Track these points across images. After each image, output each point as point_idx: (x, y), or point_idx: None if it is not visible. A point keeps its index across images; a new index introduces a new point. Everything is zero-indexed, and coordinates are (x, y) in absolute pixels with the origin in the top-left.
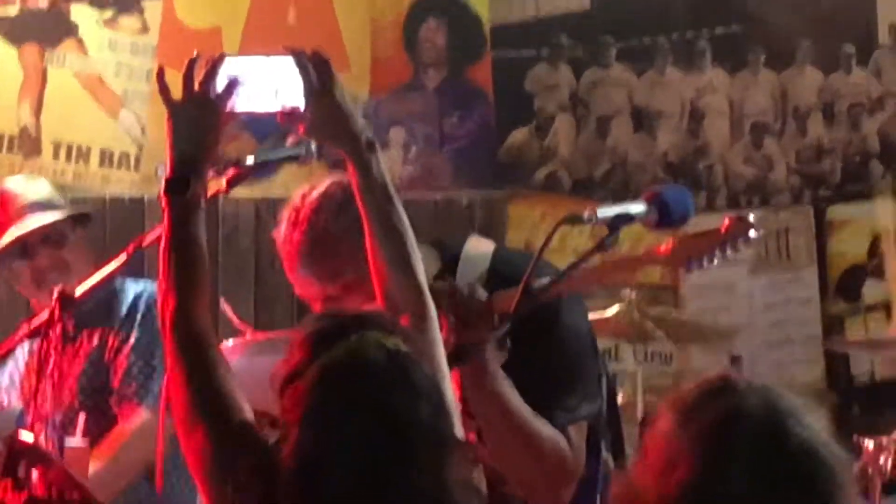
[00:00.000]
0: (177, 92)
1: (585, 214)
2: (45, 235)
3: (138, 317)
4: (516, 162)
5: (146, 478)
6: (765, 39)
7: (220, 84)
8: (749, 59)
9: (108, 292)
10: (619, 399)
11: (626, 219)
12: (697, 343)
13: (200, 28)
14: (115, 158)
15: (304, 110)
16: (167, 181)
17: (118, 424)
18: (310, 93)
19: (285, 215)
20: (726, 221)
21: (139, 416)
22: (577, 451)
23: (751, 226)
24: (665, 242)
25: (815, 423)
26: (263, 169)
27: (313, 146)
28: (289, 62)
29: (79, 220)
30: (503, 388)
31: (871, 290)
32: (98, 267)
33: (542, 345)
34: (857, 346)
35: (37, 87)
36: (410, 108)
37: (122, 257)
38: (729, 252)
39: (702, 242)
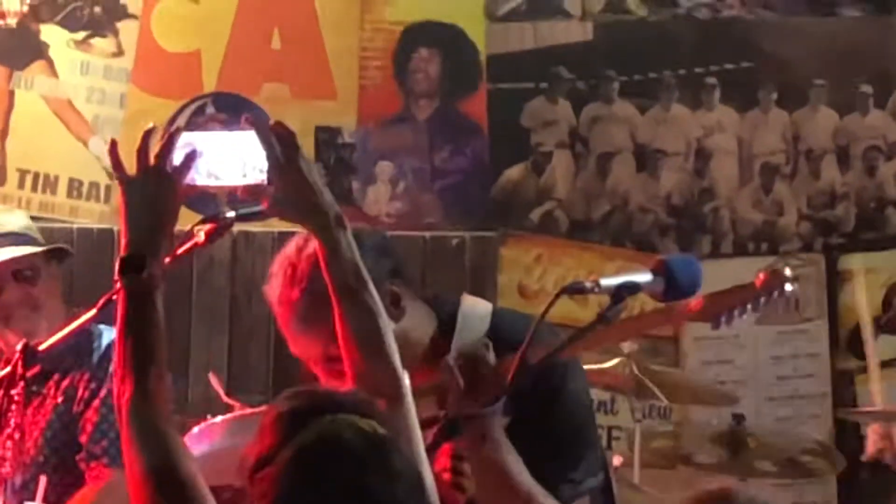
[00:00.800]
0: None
1: (588, 284)
2: (17, 270)
3: (111, 367)
4: (511, 200)
5: None
6: (777, 77)
7: (178, 157)
8: (760, 97)
9: (79, 336)
10: (616, 461)
11: (631, 289)
12: (697, 404)
13: (179, 51)
14: (85, 188)
15: (269, 185)
16: (122, 260)
17: (85, 485)
18: (274, 167)
19: (280, 270)
20: (761, 276)
21: (106, 478)
22: None
23: (787, 280)
24: (696, 297)
25: None
26: (245, 221)
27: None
28: (251, 135)
29: (55, 255)
30: (507, 456)
31: (884, 346)
32: (65, 304)
33: (549, 415)
34: (870, 416)
35: (2, 111)
36: (399, 140)
37: (93, 312)
38: (763, 304)
39: (734, 298)
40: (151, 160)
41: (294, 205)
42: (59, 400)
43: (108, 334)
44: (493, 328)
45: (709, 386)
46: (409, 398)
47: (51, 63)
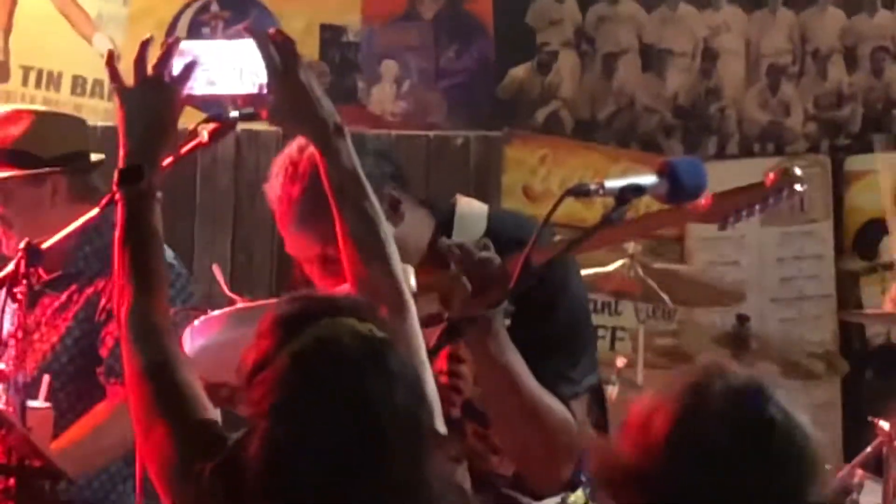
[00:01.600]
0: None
1: (592, 186)
2: None
3: None
4: (516, 100)
5: (124, 461)
6: None
7: (176, 67)
8: None
9: (105, 240)
10: (619, 362)
11: (636, 191)
12: (702, 305)
13: None
14: (89, 86)
15: (267, 93)
16: (120, 171)
17: (103, 401)
18: (272, 75)
19: (281, 168)
20: (771, 176)
21: (121, 397)
22: (580, 425)
23: (798, 179)
24: (704, 196)
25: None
26: (249, 120)
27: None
28: (250, 44)
29: (30, 180)
30: (512, 356)
31: (888, 247)
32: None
33: (549, 315)
34: (874, 319)
35: (6, 8)
36: (404, 39)
37: (95, 211)
38: (771, 204)
39: (743, 198)
40: (149, 70)
41: (293, 114)
42: (81, 306)
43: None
44: (491, 229)
45: (714, 283)
46: (412, 305)
47: None
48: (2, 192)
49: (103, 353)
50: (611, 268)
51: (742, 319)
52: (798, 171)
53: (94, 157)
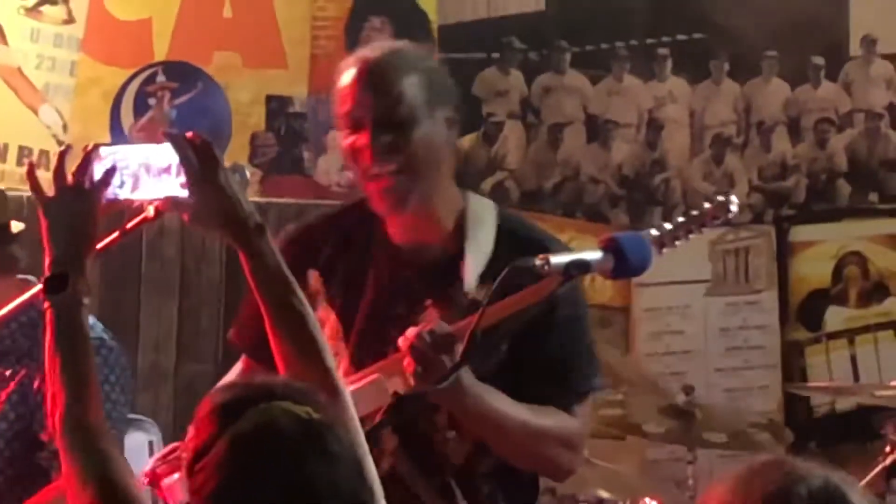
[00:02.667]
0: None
1: (538, 262)
2: None
3: None
4: (462, 171)
5: None
6: (729, 48)
7: (97, 172)
8: (712, 68)
9: (35, 318)
10: None
11: (581, 267)
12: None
13: (130, 19)
14: (35, 156)
15: (188, 196)
16: (46, 280)
17: (46, 488)
18: (191, 179)
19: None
20: (707, 207)
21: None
22: (584, 422)
23: (730, 210)
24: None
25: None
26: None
27: (247, 172)
28: (169, 147)
29: None
30: (492, 401)
31: (833, 317)
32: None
33: (564, 320)
34: (819, 390)
35: None
36: None
37: (37, 284)
38: (705, 227)
39: (681, 230)
40: (69, 179)
41: (213, 216)
42: (13, 388)
43: None
44: (501, 226)
45: (657, 376)
46: (344, 390)
47: (0, 30)
48: None
49: (44, 437)
50: None
51: (687, 390)
52: (733, 199)
53: (15, 226)
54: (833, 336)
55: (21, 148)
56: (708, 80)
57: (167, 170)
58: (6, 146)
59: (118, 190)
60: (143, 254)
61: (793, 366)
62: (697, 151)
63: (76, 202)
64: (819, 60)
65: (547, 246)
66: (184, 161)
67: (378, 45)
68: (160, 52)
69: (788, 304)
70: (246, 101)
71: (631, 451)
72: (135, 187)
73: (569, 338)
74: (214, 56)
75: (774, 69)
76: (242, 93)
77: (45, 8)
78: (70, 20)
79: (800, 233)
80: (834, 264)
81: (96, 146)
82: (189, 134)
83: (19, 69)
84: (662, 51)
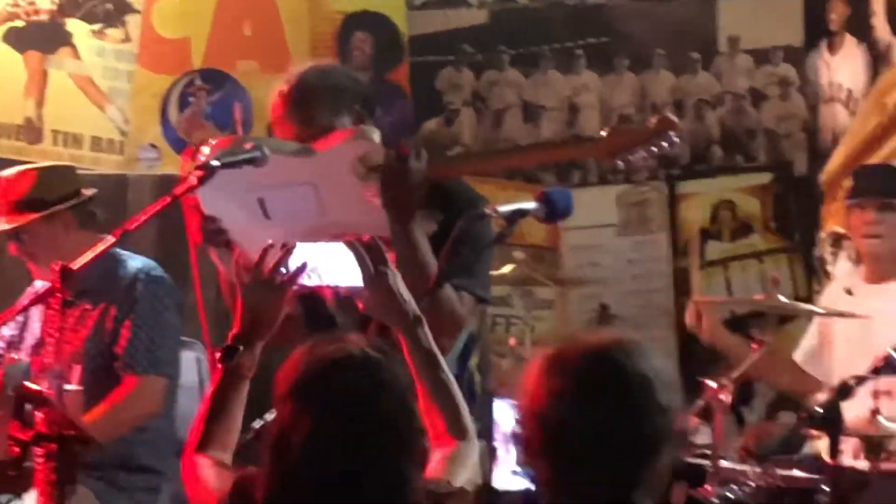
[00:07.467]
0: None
1: (488, 210)
2: (8, 234)
3: (138, 293)
4: (429, 146)
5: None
6: (628, 49)
7: (291, 266)
8: (615, 65)
9: (109, 264)
10: (511, 342)
11: (521, 214)
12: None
13: (173, 38)
14: (104, 144)
15: (363, 289)
16: (224, 348)
17: (120, 386)
18: (367, 276)
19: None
20: (654, 120)
21: (134, 383)
22: (464, 313)
23: (674, 125)
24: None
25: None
26: (232, 168)
27: (267, 150)
28: (344, 247)
29: (45, 220)
30: (421, 245)
31: (711, 250)
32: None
33: (473, 230)
34: (701, 303)
35: (39, 86)
36: None
37: (111, 238)
38: (654, 149)
39: (632, 137)
40: (265, 272)
41: (383, 309)
42: (95, 319)
43: (132, 262)
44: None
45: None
46: (472, 428)
47: (74, 48)
48: (26, 234)
49: (118, 350)
50: (505, 269)
51: (604, 307)
52: (675, 118)
53: (87, 191)
54: (711, 264)
55: (93, 138)
56: (613, 73)
57: (346, 264)
58: (81, 136)
59: (306, 278)
60: None
61: (682, 286)
62: (605, 128)
63: (267, 294)
64: (696, 56)
65: (479, 198)
66: (359, 261)
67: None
68: (197, 63)
69: (678, 241)
70: (263, 99)
71: None
72: (321, 277)
73: (488, 245)
74: (238, 64)
75: (662, 63)
76: (258, 92)
77: (108, 31)
78: (127, 39)
79: (685, 187)
80: (711, 210)
81: (290, 249)
82: (365, 237)
83: (90, 78)
84: (578, 52)
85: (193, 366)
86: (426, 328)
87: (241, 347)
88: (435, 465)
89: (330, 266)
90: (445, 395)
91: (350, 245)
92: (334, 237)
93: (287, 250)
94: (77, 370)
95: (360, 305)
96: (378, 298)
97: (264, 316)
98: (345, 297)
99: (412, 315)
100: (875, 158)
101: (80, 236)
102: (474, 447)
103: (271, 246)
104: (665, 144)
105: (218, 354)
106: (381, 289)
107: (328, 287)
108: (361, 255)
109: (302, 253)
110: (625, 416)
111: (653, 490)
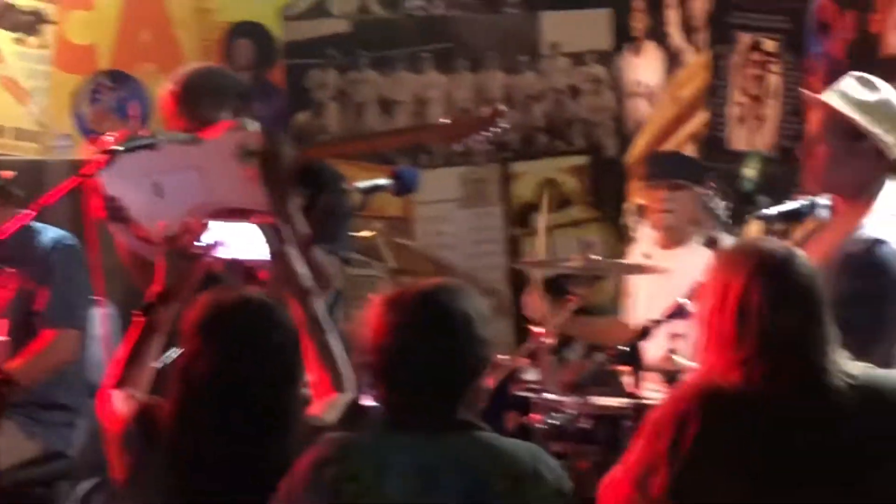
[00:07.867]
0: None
1: (348, 187)
2: None
3: (54, 258)
4: (301, 135)
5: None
6: (466, 53)
7: (207, 240)
8: (457, 66)
9: (29, 234)
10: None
11: (377, 188)
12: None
13: (83, 44)
14: (24, 134)
15: (267, 262)
16: (144, 304)
17: (39, 338)
18: (273, 252)
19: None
20: (488, 110)
21: (52, 335)
22: (332, 272)
23: (503, 114)
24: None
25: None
26: (133, 152)
27: (160, 139)
28: (254, 227)
29: None
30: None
31: (537, 220)
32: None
33: (336, 202)
34: (531, 265)
35: None
36: None
37: (31, 213)
38: (487, 134)
39: (470, 124)
40: (183, 244)
41: (282, 279)
42: (17, 278)
43: (49, 233)
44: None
45: (434, 258)
46: (351, 389)
47: (1, 53)
48: None
49: (38, 307)
50: (365, 233)
51: (450, 269)
52: (504, 109)
53: (6, 174)
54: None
55: (17, 129)
56: (454, 73)
57: (254, 240)
58: (2, 127)
59: (219, 252)
60: None
61: (514, 251)
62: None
63: (185, 262)
64: (524, 58)
65: (340, 176)
66: (268, 240)
67: (182, 71)
68: (103, 65)
69: (510, 213)
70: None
71: None
72: (230, 250)
73: (335, 209)
74: (139, 66)
75: (495, 65)
76: (156, 90)
77: (29, 38)
78: (44, 46)
79: (516, 167)
80: (537, 187)
81: (206, 223)
82: (271, 220)
83: (13, 78)
84: (425, 55)
85: (99, 320)
86: (315, 298)
87: (159, 304)
88: (316, 407)
89: (239, 242)
90: (329, 355)
91: (262, 227)
92: (223, 213)
93: (202, 226)
94: (4, 324)
95: (264, 275)
96: (279, 271)
97: (181, 279)
98: (231, 262)
99: (305, 287)
100: (671, 143)
101: (3, 212)
102: (349, 397)
103: (189, 225)
104: (497, 130)
105: (139, 309)
106: (283, 263)
107: (235, 259)
108: (270, 235)
109: (215, 230)
110: (449, 345)
111: (472, 406)
